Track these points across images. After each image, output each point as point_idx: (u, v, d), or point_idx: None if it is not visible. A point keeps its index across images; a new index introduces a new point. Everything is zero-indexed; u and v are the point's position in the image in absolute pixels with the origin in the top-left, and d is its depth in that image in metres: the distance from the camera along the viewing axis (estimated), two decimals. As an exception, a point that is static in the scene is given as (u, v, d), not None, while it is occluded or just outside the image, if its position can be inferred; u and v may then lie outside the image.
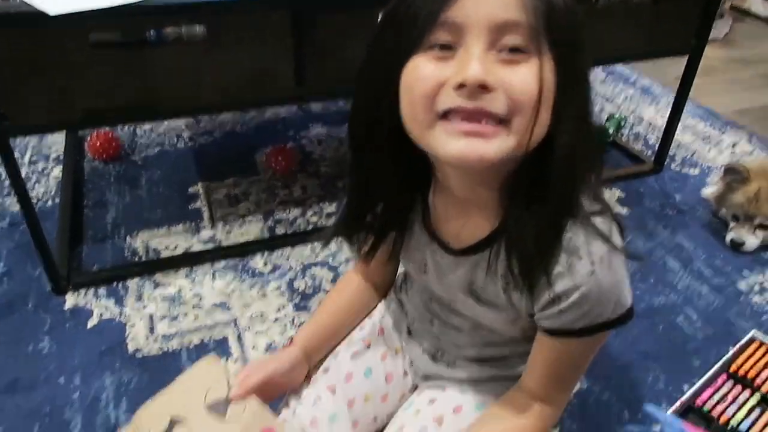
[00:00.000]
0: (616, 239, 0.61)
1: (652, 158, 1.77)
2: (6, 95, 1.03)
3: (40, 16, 0.95)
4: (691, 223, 1.54)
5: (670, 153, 1.80)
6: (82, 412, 1.02)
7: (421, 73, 0.54)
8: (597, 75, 2.35)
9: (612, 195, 1.63)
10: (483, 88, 0.52)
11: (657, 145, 1.76)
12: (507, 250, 0.63)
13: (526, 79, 0.52)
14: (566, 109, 0.55)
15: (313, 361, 0.83)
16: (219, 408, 0.70)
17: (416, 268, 0.77)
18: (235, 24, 1.10)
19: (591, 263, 0.59)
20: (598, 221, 0.61)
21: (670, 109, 1.68)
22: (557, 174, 0.57)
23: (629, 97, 2.22)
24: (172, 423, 0.68)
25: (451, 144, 0.54)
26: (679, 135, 1.93)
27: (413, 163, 0.65)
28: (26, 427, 1.00)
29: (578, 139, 0.57)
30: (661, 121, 1.79)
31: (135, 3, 1.00)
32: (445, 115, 0.54)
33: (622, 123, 1.93)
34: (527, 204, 0.59)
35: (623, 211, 1.58)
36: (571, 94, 0.55)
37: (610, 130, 1.86)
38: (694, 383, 1.07)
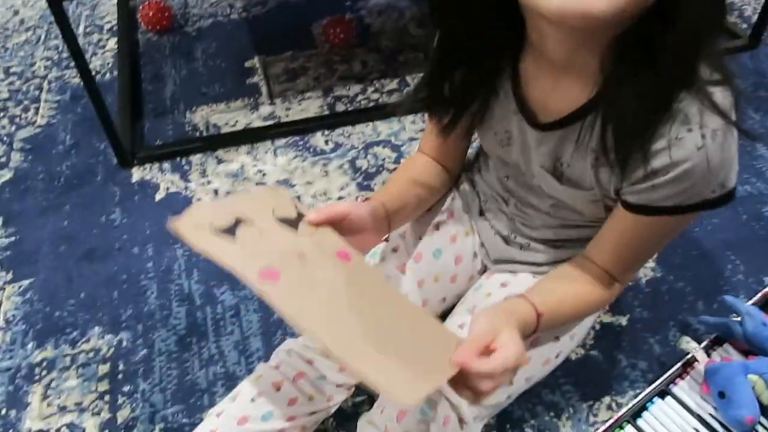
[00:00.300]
0: (732, 113, 0.55)
1: (748, 32, 1.59)
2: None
3: None
4: (786, 107, 1.40)
5: (769, 27, 1.61)
6: (157, 281, 1.06)
7: None
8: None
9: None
10: None
11: (755, 18, 1.57)
12: (604, 121, 0.57)
13: None
14: None
15: (392, 221, 0.73)
16: (288, 223, 0.61)
17: (497, 141, 0.72)
18: None
19: (702, 137, 0.53)
20: (717, 92, 0.54)
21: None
22: (679, 37, 0.50)
23: (725, -39, 1.97)
24: (237, 222, 0.58)
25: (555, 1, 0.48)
26: (782, 6, 1.72)
27: (505, 21, 0.58)
28: (107, 292, 1.04)
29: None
30: (762, -10, 1.58)
31: None
32: None
33: (716, -8, 1.73)
34: (635, 70, 0.53)
35: (710, 91, 1.44)
36: None
37: (702, 1, 1.67)
38: (777, 276, 1.02)
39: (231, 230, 0.57)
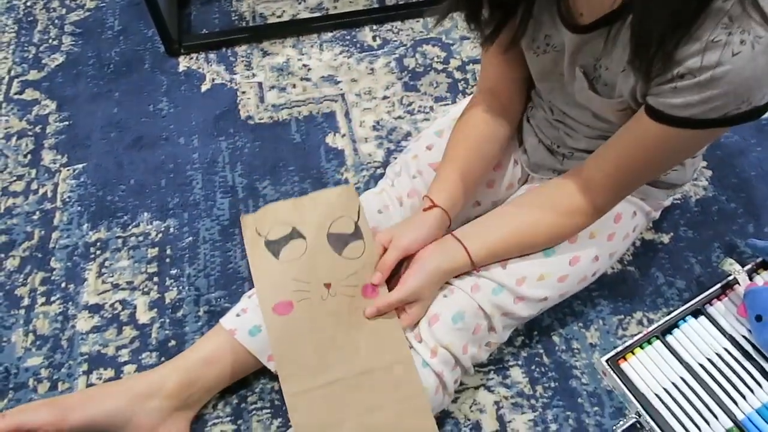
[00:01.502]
0: None
1: None
2: None
3: None
4: None
5: None
6: (202, 171, 1.09)
7: None
8: None
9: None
10: None
11: None
12: (635, 20, 0.53)
13: None
14: None
15: (454, 215, 0.75)
16: (339, 241, 0.71)
17: (537, 49, 0.69)
18: None
19: (741, 42, 0.49)
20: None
21: None
22: None
23: None
24: (293, 233, 0.70)
25: None
26: None
27: None
28: (155, 179, 1.08)
29: None
30: None
31: None
32: None
33: None
34: None
35: None
36: None
37: None
38: (840, 202, 0.96)
39: (285, 240, 0.70)
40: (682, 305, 0.86)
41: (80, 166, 1.11)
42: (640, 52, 0.53)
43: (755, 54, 0.49)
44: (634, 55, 0.54)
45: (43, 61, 1.28)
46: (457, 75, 1.20)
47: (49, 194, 1.07)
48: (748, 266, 0.87)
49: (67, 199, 1.06)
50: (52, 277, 0.96)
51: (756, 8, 0.48)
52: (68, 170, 1.10)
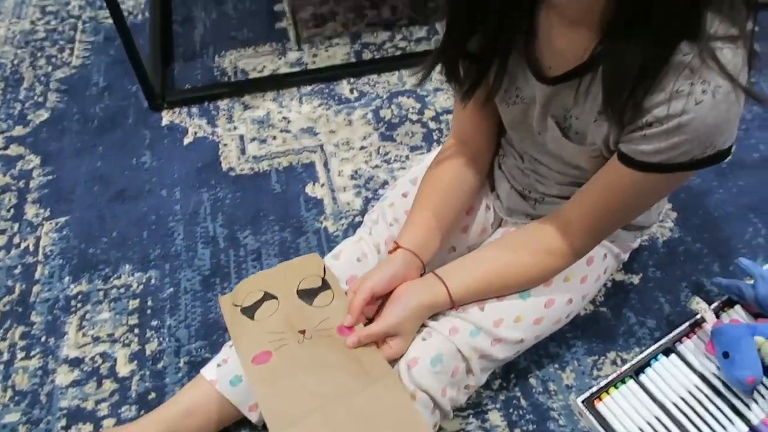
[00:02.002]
0: (742, 74, 0.54)
1: (801, -17, 1.50)
2: None
3: None
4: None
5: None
6: (184, 222, 1.11)
7: None
8: None
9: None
10: None
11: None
12: (604, 73, 0.57)
13: None
14: None
15: (426, 257, 0.77)
16: (308, 294, 0.75)
17: (509, 100, 0.73)
18: None
19: (703, 92, 0.53)
20: (726, 50, 0.52)
21: None
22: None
23: None
24: (265, 297, 0.74)
25: None
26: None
27: None
28: (137, 231, 1.10)
29: None
30: (822, -64, 1.48)
31: None
32: None
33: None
34: (633, 23, 0.53)
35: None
36: None
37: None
38: (799, 240, 1.00)
39: (258, 303, 0.74)
40: (654, 344, 0.88)
41: (63, 219, 1.12)
42: (612, 102, 0.57)
43: (716, 102, 0.53)
44: (606, 104, 0.58)
45: (29, 118, 1.31)
46: (432, 125, 1.25)
47: (31, 248, 1.08)
48: (715, 304, 0.90)
49: (49, 253, 1.07)
50: (32, 331, 0.96)
51: (714, 60, 0.52)
52: (51, 224, 1.12)
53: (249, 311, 0.74)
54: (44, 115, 1.32)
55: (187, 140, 1.25)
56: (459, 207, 0.82)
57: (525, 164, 0.81)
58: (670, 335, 0.88)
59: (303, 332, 0.70)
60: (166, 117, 1.30)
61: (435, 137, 1.23)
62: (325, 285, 0.76)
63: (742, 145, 1.18)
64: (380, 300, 0.73)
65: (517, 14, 0.64)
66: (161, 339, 0.94)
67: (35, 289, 1.02)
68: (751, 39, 0.54)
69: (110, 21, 1.51)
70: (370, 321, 0.73)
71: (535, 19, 0.65)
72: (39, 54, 1.47)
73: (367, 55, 1.41)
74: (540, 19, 0.64)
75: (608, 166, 0.64)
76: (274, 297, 0.75)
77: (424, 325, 0.74)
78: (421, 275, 0.76)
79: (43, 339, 0.95)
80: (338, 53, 1.42)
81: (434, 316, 0.74)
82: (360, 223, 1.05)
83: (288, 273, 0.78)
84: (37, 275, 1.04)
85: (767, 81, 1.31)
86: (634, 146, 0.59)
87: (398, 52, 1.42)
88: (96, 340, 0.95)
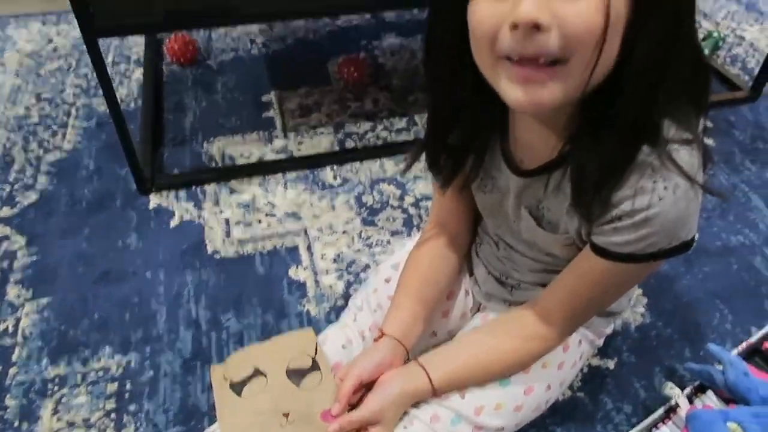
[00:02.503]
0: (698, 173, 0.59)
1: (749, 84, 1.63)
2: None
3: None
4: (783, 159, 1.44)
5: (771, 80, 1.65)
6: (167, 305, 1.11)
7: (480, 14, 0.53)
8: (698, -13, 2.15)
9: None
10: (537, 27, 0.49)
11: (756, 70, 1.62)
12: (571, 174, 0.62)
13: (585, 13, 0.49)
14: (644, 36, 0.52)
15: (410, 343, 0.79)
16: (297, 374, 0.76)
17: (485, 189, 0.78)
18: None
19: (664, 188, 0.57)
20: (683, 150, 0.58)
21: (777, 31, 1.53)
22: (629, 104, 0.55)
23: (731, 13, 2.03)
24: (255, 373, 0.75)
25: (510, 91, 0.55)
26: (784, 60, 1.77)
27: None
28: (119, 314, 1.10)
29: (659, 64, 0.53)
30: (765, 43, 1.64)
31: None
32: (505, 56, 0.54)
33: (720, 43, 1.78)
34: (596, 128, 0.58)
35: (709, 141, 1.49)
36: (653, 16, 0.51)
37: (706, 51, 1.73)
38: (764, 326, 1.05)
39: (248, 379, 0.75)
40: (631, 429, 0.89)
41: (45, 300, 1.12)
42: (579, 200, 0.61)
43: (676, 199, 0.57)
44: (574, 201, 0.62)
45: (17, 199, 1.34)
46: (412, 211, 1.30)
47: (11, 329, 1.07)
48: (687, 390, 0.93)
49: (29, 334, 1.06)
50: (5, 415, 0.94)
51: (671, 161, 0.57)
52: (32, 305, 1.12)
53: (238, 387, 0.74)
54: (33, 196, 1.35)
55: (173, 223, 1.28)
56: (440, 291, 0.85)
57: (500, 251, 0.85)
58: (646, 421, 0.90)
59: (287, 415, 0.71)
60: (154, 200, 1.33)
61: (415, 222, 1.27)
62: (314, 366, 0.77)
63: (705, 233, 1.24)
64: (365, 387, 0.74)
65: (491, 113, 0.70)
66: (138, 424, 0.93)
67: (11, 371, 1.01)
68: (702, 141, 0.60)
69: (103, 107, 1.58)
70: (352, 407, 0.73)
71: (508, 116, 0.70)
72: (31, 138, 1.51)
73: (350, 144, 1.48)
74: (513, 116, 0.70)
75: (582, 255, 0.68)
76: (263, 374, 0.75)
77: (405, 413, 0.75)
78: (405, 362, 0.77)
79: (15, 424, 0.93)
80: (323, 142, 1.49)
81: (416, 404, 0.75)
82: (342, 306, 1.08)
83: (280, 348, 0.78)
84: (14, 357, 1.03)
85: (723, 172, 1.40)
86: (605, 238, 0.63)
87: (380, 142, 1.49)
88: (71, 425, 0.93)
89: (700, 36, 1.80)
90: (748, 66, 1.77)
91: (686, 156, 0.58)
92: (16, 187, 1.37)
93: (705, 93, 0.61)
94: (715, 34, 1.78)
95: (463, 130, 0.71)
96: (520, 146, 0.70)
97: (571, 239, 0.70)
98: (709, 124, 1.54)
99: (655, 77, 0.54)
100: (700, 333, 1.06)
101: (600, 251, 0.64)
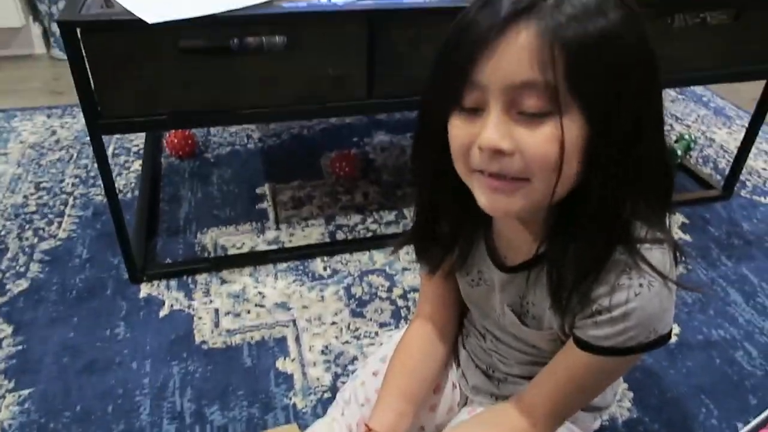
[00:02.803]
0: (672, 271, 0.62)
1: (721, 183, 1.72)
2: (102, 94, 1.12)
3: (139, 23, 1.03)
4: (758, 255, 1.49)
5: (741, 179, 1.75)
6: (151, 397, 1.10)
7: (455, 132, 0.59)
8: (668, 93, 2.30)
9: (675, 220, 1.60)
10: (499, 153, 0.54)
11: (727, 170, 1.71)
12: (547, 273, 0.65)
13: (542, 141, 0.53)
14: (603, 156, 0.56)
15: None
16: None
17: (470, 282, 0.80)
18: (313, 35, 1.15)
19: (640, 285, 0.60)
20: (655, 251, 0.61)
21: (743, 133, 1.63)
22: (594, 207, 0.59)
23: (701, 117, 2.16)
24: None
25: (481, 198, 0.60)
26: (752, 161, 1.88)
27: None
28: (101, 406, 1.08)
29: (623, 170, 0.57)
30: (734, 145, 1.74)
31: (221, 14, 1.07)
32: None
33: (692, 145, 1.88)
34: (570, 230, 0.62)
35: (686, 237, 1.55)
36: (610, 140, 0.55)
37: (679, 152, 1.83)
38: (749, 422, 1.05)
39: None
40: None
41: (26, 391, 1.11)
42: (557, 296, 0.64)
43: (651, 295, 0.60)
44: (552, 298, 0.65)
45: (7, 287, 1.34)
46: (400, 302, 1.32)
47: (-11, 422, 1.05)
48: (677, 488, 0.92)
49: (7, 427, 1.04)
50: None
51: (644, 261, 0.60)
52: (13, 396, 1.10)
53: None
54: (23, 284, 1.36)
55: (162, 313, 1.29)
56: (429, 381, 0.85)
57: (487, 344, 0.86)
58: None
59: None
60: (145, 289, 1.35)
61: (403, 314, 1.29)
62: None
63: (687, 327, 1.27)
64: None
65: (473, 210, 0.74)
66: None
67: (-14, 467, 0.98)
68: (673, 239, 0.63)
69: (100, 197, 1.62)
70: None
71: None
72: (27, 226, 1.54)
73: (340, 236, 1.52)
74: (496, 218, 0.74)
75: (565, 349, 0.70)
76: None
77: None
78: None
79: None
80: (314, 233, 1.53)
81: None
82: (329, 399, 1.07)
83: None
84: (-10, 452, 1.00)
85: (701, 267, 1.44)
86: (586, 332, 0.64)
87: (369, 234, 1.53)
88: None
89: (673, 138, 1.91)
90: (720, 166, 1.86)
91: (658, 255, 0.61)
92: (7, 275, 1.38)
93: (670, 192, 0.65)
94: (687, 137, 1.89)
95: (449, 222, 0.75)
96: (503, 243, 0.74)
97: (556, 334, 0.72)
98: (686, 220, 1.60)
99: (619, 183, 0.58)
100: (687, 428, 1.05)
101: (582, 344, 0.66)
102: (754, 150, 1.87)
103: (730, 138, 2.01)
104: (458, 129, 0.58)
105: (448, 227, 0.75)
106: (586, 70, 0.52)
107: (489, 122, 0.54)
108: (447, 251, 0.78)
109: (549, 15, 0.50)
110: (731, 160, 1.69)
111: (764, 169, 1.86)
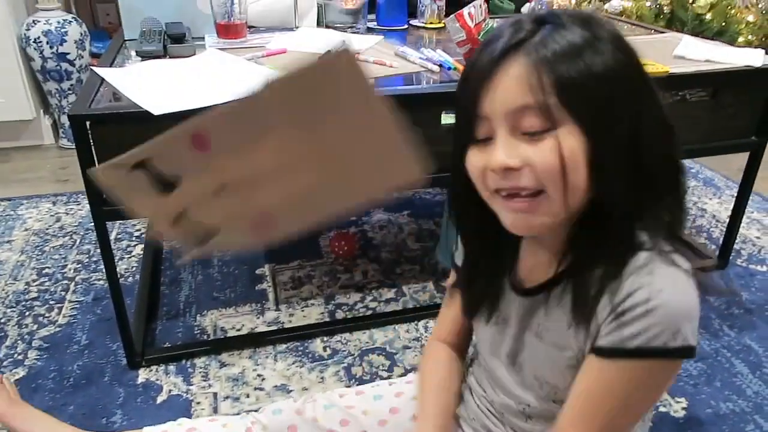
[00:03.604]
0: (693, 276, 0.62)
1: (716, 253, 1.74)
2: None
3: (146, 114, 1.08)
4: (759, 324, 1.49)
5: (736, 248, 1.76)
6: (147, 488, 1.07)
7: (472, 161, 0.65)
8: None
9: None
10: (510, 170, 0.60)
11: (721, 240, 1.73)
12: (572, 286, 0.67)
13: (545, 155, 0.59)
14: (607, 163, 0.60)
15: None
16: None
17: (489, 318, 0.80)
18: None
19: (661, 282, 0.60)
20: (673, 255, 0.62)
21: (733, 203, 1.66)
22: (610, 216, 0.62)
23: (691, 188, 2.21)
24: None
25: (505, 217, 0.65)
26: (745, 230, 1.90)
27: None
28: (95, 499, 1.05)
29: (630, 183, 0.61)
30: (725, 215, 1.77)
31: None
32: (497, 190, 0.64)
33: (685, 216, 1.92)
34: (589, 241, 0.65)
35: (686, 307, 1.54)
36: (611, 147, 0.60)
37: (672, 223, 1.85)
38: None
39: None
40: None
41: (18, 486, 1.07)
42: (582, 307, 0.65)
43: (675, 291, 0.60)
44: (577, 311, 0.65)
45: (5, 376, 1.33)
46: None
47: None
48: None
49: None
50: None
51: (666, 260, 0.61)
52: (4, 491, 1.06)
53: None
54: (20, 372, 1.34)
55: (160, 398, 1.27)
56: (457, 399, 0.87)
57: (487, 396, 0.84)
58: None
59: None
60: (143, 375, 1.33)
61: (404, 394, 1.27)
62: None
63: (695, 400, 1.25)
64: None
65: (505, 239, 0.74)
66: None
67: None
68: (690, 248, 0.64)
69: (102, 282, 1.64)
70: None
71: (519, 242, 0.77)
72: (27, 313, 1.54)
73: (340, 315, 1.52)
74: (521, 243, 0.76)
75: (589, 369, 0.67)
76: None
77: None
78: None
79: None
80: (313, 313, 1.53)
81: None
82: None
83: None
84: None
85: (704, 338, 1.43)
86: (611, 337, 0.63)
87: (369, 312, 1.53)
88: None
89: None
90: (713, 236, 1.89)
91: (677, 257, 0.62)
92: (5, 363, 1.37)
93: (683, 193, 0.66)
94: (679, 208, 1.92)
95: (488, 257, 0.77)
96: (524, 267, 0.76)
97: (575, 359, 0.69)
98: (684, 290, 1.60)
99: (629, 188, 0.61)
100: None
101: (608, 353, 0.64)
102: (746, 219, 1.90)
103: (722, 208, 2.05)
104: (475, 158, 0.64)
105: (490, 265, 0.77)
106: (573, 87, 0.58)
107: (497, 145, 0.61)
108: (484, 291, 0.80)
109: (534, 49, 0.58)
110: (724, 230, 1.71)
111: (758, 237, 1.88)
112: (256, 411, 0.97)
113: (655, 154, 0.62)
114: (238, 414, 0.99)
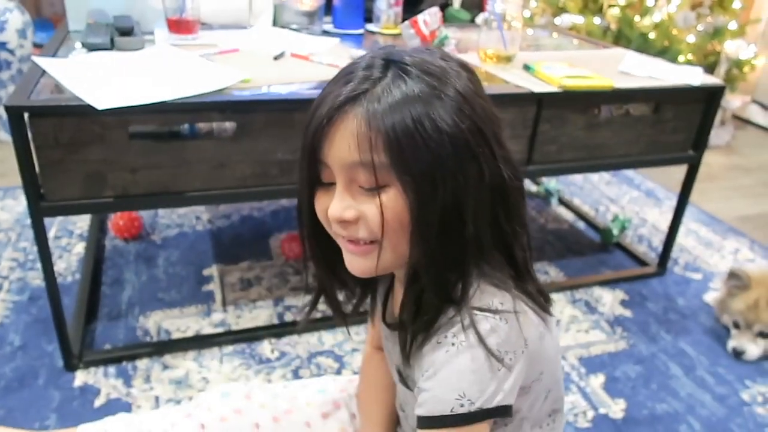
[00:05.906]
0: (492, 337, 0.59)
1: (656, 261, 1.81)
2: (47, 178, 1.11)
3: (89, 108, 1.04)
4: (693, 329, 1.55)
5: (673, 256, 1.84)
6: (81, 495, 1.02)
7: (318, 204, 0.64)
8: (602, 176, 2.44)
9: (615, 297, 1.66)
10: (345, 221, 0.61)
11: (660, 248, 1.80)
12: (399, 329, 0.67)
13: (375, 212, 0.60)
14: (422, 227, 0.59)
15: None
16: None
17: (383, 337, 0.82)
18: (260, 121, 1.19)
19: (452, 344, 0.60)
20: (486, 319, 0.60)
21: (673, 213, 1.73)
22: (424, 276, 0.62)
23: (633, 199, 2.30)
24: None
25: (345, 257, 0.66)
26: (682, 239, 1.99)
27: None
28: (25, 508, 1.00)
29: (441, 250, 0.60)
30: (665, 224, 1.84)
31: (172, 101, 1.10)
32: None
33: (626, 225, 1.98)
34: (411, 292, 0.65)
35: (626, 313, 1.60)
36: (428, 214, 0.58)
37: (614, 231, 1.92)
38: (696, 497, 1.06)
39: None
40: None
41: (-60, 494, 1.01)
42: (403, 352, 0.66)
43: (459, 353, 0.59)
44: (401, 353, 0.66)
45: (-72, 379, 1.26)
46: (349, 385, 1.30)
47: None
48: None
49: None
50: None
51: (468, 324, 0.60)
52: (-76, 501, 1.00)
53: None
54: (-54, 375, 1.27)
55: (98, 402, 1.22)
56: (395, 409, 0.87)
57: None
58: None
59: None
60: (80, 377, 1.28)
61: (352, 397, 1.26)
62: None
63: (632, 402, 1.29)
64: None
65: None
66: None
67: None
68: (517, 312, 0.61)
69: (38, 281, 1.57)
70: None
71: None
72: (-44, 312, 1.46)
73: (288, 317, 1.51)
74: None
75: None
76: None
77: None
78: None
79: None
80: (261, 315, 1.51)
81: None
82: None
83: None
84: None
85: (642, 342, 1.49)
86: (418, 397, 0.63)
87: (319, 314, 1.51)
88: None
89: (609, 218, 2.02)
90: (653, 244, 1.96)
91: (486, 323, 0.60)
92: (-70, 365, 1.30)
93: (518, 267, 0.66)
94: (621, 217, 1.99)
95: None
96: (393, 300, 0.76)
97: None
98: (625, 297, 1.66)
99: (438, 254, 0.61)
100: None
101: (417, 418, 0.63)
102: (683, 229, 1.99)
103: (662, 218, 2.14)
104: (319, 202, 0.64)
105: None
106: (400, 148, 0.57)
107: (334, 197, 0.61)
108: (362, 299, 0.80)
109: (371, 104, 0.57)
110: (663, 239, 1.78)
111: (694, 246, 1.97)
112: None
113: (479, 221, 0.61)
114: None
